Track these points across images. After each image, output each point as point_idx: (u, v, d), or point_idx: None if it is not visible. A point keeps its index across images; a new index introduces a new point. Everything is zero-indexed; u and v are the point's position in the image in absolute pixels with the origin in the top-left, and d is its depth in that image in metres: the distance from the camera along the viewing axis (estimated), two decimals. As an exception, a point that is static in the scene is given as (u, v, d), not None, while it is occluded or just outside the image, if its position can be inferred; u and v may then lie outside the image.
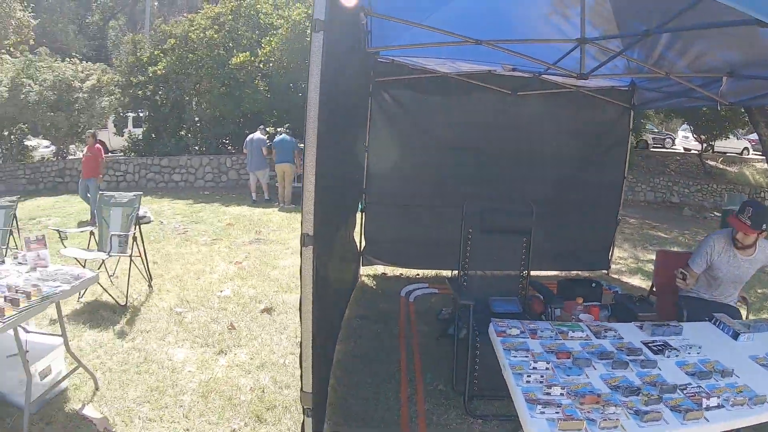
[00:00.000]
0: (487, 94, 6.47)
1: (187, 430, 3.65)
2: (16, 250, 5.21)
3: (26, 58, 16.69)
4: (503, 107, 6.61)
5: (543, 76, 6.08)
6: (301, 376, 2.85)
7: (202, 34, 15.24)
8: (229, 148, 16.38)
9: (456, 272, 4.87)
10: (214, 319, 5.50)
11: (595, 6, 4.57)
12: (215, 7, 15.98)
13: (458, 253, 4.77)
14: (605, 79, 6.31)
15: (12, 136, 16.79)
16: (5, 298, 3.46)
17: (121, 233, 6.11)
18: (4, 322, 3.23)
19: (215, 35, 15.14)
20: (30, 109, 15.22)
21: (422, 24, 4.63)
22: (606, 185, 7.13)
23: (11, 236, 6.90)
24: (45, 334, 4.58)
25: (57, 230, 6.48)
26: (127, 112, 17.46)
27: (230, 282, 6.65)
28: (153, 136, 16.37)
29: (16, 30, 19.22)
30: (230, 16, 15.37)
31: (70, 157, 17.09)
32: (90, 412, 3.85)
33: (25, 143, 17.10)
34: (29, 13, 20.55)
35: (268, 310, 5.66)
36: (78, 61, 16.90)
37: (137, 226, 6.21)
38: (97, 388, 4.18)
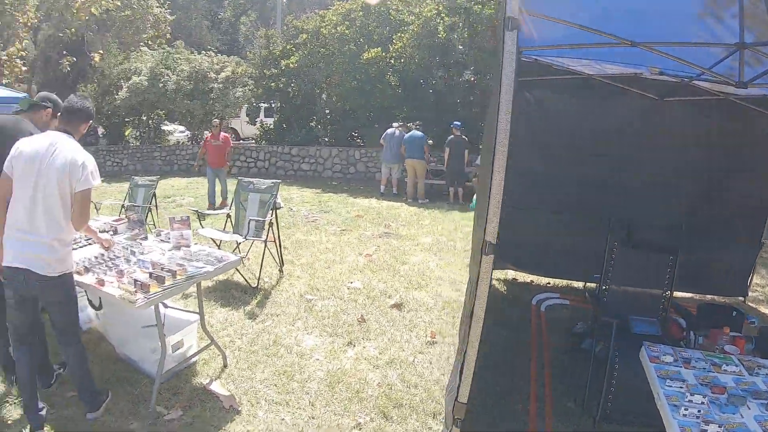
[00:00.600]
0: (631, 98, 6.04)
1: (312, 417, 3.63)
2: (157, 228, 5.35)
3: (164, 50, 17.78)
4: (647, 114, 6.13)
5: (694, 81, 5.65)
6: (459, 386, 2.69)
7: (333, 30, 15.41)
8: (358, 141, 16.49)
9: (592, 285, 4.63)
10: (344, 309, 5.40)
11: (749, 6, 4.20)
12: (346, 3, 16.28)
13: (592, 264, 4.56)
14: (761, 88, 5.76)
15: (150, 121, 18.06)
16: (151, 274, 3.59)
17: (258, 218, 6.19)
18: (148, 298, 3.35)
19: (346, 31, 15.25)
20: (167, 96, 16.25)
21: (573, 23, 4.43)
22: (750, 205, 6.47)
23: (149, 213, 7.29)
24: (181, 309, 4.71)
25: (196, 211, 6.71)
26: (260, 102, 18.14)
27: (360, 274, 6.52)
28: (284, 126, 16.80)
29: (154, 25, 20.33)
30: (361, 12, 15.46)
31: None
32: (217, 388, 3.94)
33: (162, 128, 18.39)
34: (166, 9, 21.74)
35: (397, 306, 5.47)
36: (213, 54, 17.75)
37: (273, 213, 6.31)
38: (225, 366, 4.28)
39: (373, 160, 15.09)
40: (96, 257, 4.12)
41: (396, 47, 14.58)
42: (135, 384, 4.03)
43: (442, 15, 13.66)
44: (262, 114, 19.13)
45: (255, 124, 18.28)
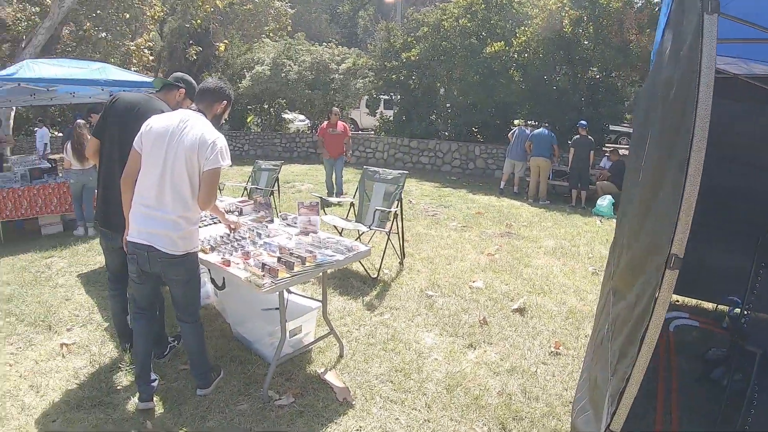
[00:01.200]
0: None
1: (428, 421, 3.44)
2: (282, 212, 5.40)
3: (286, 42, 18.26)
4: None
5: None
6: (614, 413, 2.43)
7: (455, 23, 15.15)
8: (478, 136, 16.12)
9: (724, 307, 4.10)
10: (465, 309, 5.15)
11: None
12: None
13: (727, 284, 4.06)
14: None
15: (271, 109, 18.65)
16: (279, 259, 3.53)
17: (384, 209, 6.13)
18: (275, 283, 3.31)
19: (468, 24, 14.92)
20: (289, 86, 16.70)
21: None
22: None
23: (272, 196, 7.38)
24: (303, 296, 4.66)
25: (320, 197, 6.79)
26: (380, 94, 18.29)
27: (482, 273, 6.24)
28: (404, 118, 16.79)
29: (275, 18, 21.03)
30: (483, 5, 15.06)
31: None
32: (331, 378, 3.86)
33: (283, 116, 18.93)
34: (286, 2, 22.32)
35: (520, 311, 5.14)
36: (334, 46, 18.04)
37: (399, 204, 6.19)
38: (341, 356, 4.21)
39: (492, 156, 14.74)
40: (221, 237, 4.13)
41: (519, 41, 14.12)
42: (247, 364, 4.06)
43: (567, 8, 13.04)
44: (381, 106, 19.29)
45: (375, 116, 18.44)
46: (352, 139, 15.91)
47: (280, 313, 3.64)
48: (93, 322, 4.97)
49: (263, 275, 3.35)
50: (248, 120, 19.65)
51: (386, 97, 18.89)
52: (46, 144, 14.57)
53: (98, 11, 21.33)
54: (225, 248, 3.94)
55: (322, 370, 3.99)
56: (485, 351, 4.38)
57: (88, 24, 22.31)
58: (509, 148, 12.15)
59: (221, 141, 3.25)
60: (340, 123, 10.56)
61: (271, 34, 20.78)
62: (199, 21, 19.37)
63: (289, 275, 3.40)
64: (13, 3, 21.05)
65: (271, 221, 4.75)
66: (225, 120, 3.83)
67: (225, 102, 3.57)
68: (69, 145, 7.91)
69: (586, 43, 13.19)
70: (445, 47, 15.24)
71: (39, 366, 4.16)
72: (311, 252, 3.71)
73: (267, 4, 20.19)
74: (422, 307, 5.20)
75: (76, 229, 8.33)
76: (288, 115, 19.70)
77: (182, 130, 3.23)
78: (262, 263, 3.49)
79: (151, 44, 23.42)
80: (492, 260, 6.79)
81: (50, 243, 7.74)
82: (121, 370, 4.02)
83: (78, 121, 8.19)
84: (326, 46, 17.91)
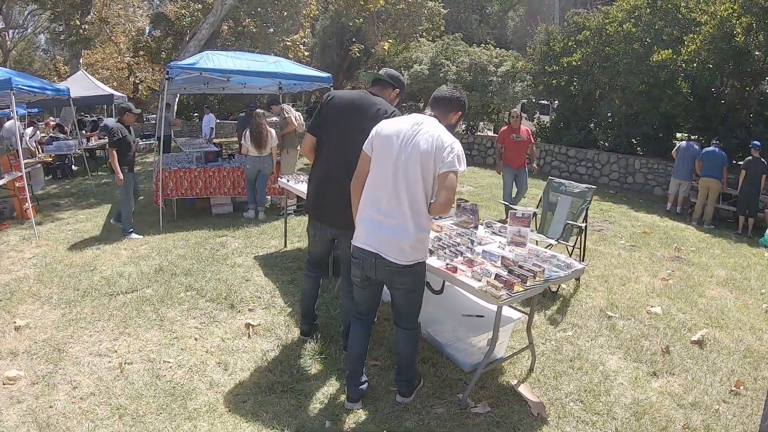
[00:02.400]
0: None
1: None
2: (487, 220, 5.38)
3: (443, 42, 18.47)
4: None
5: None
6: None
7: (618, 28, 14.60)
8: (638, 149, 15.46)
9: None
10: (645, 334, 5.19)
11: None
12: None
13: None
14: None
15: (427, 109, 18.99)
16: (510, 271, 3.61)
17: (575, 223, 6.14)
18: (511, 296, 3.34)
19: (633, 29, 14.31)
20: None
21: None
22: None
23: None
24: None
25: (506, 204, 7.01)
26: (539, 98, 17.95)
27: (657, 298, 6.22)
28: (561, 125, 16.51)
29: (428, 18, 21.29)
30: (648, 10, 14.39)
31: (478, 133, 18.66)
32: (525, 391, 3.94)
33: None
34: (439, 2, 22.49)
35: (699, 343, 5.10)
36: (492, 47, 18.01)
37: (585, 219, 6.19)
38: (531, 370, 4.30)
39: (653, 171, 14.09)
40: (433, 239, 4.23)
41: (688, 50, 13.28)
42: (440, 367, 4.24)
43: (739, 15, 12.06)
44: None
45: (532, 120, 18.07)
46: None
47: (494, 324, 3.64)
48: (275, 305, 5.42)
49: (501, 287, 3.37)
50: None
51: (544, 102, 18.58)
52: (212, 128, 15.61)
53: (258, 8, 22.76)
54: (443, 253, 3.96)
55: (515, 382, 4.12)
56: (668, 381, 4.43)
57: (247, 20, 23.88)
58: (675, 166, 11.66)
59: (458, 145, 3.17)
60: (523, 127, 9.31)
61: (424, 33, 21.08)
62: (360, 21, 20.03)
63: (522, 289, 3.46)
64: (178, 0, 22.80)
65: (476, 227, 4.77)
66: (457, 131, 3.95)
67: (460, 113, 3.52)
68: (248, 133, 8.53)
69: (757, 53, 12.25)
70: (608, 53, 14.77)
71: (225, 344, 4.62)
72: (539, 267, 3.72)
73: (421, 4, 20.49)
74: (603, 328, 5.29)
75: (247, 211, 8.98)
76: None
77: (416, 133, 3.16)
78: (495, 274, 3.54)
79: (305, 41, 24.67)
80: (666, 285, 6.74)
81: (222, 223, 8.55)
82: (310, 357, 4.34)
83: (257, 110, 8.80)
84: (484, 48, 17.94)
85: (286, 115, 9.06)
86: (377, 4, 19.20)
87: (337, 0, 22.41)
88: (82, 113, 24.21)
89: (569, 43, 15.96)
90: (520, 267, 3.70)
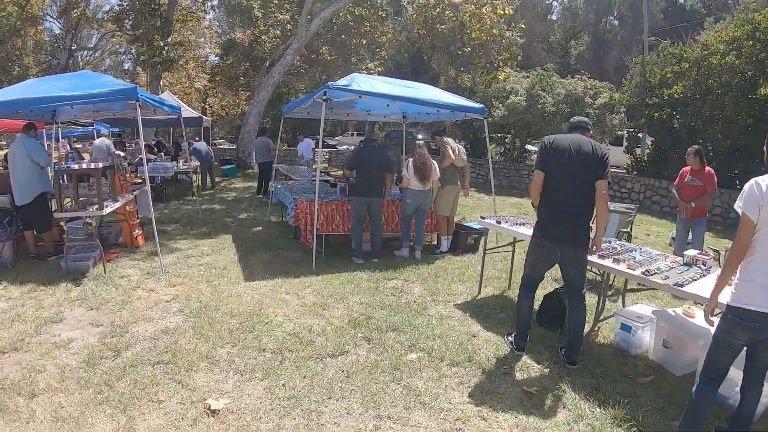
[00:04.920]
0: None
1: None
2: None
3: (538, 73, 18.12)
4: None
5: None
6: None
7: (721, 60, 14.06)
8: (737, 183, 14.71)
9: None
10: None
11: None
12: (730, 30, 14.81)
13: None
14: None
15: (517, 140, 18.59)
16: None
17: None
18: None
19: (736, 61, 13.77)
20: (545, 119, 16.48)
21: None
22: None
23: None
24: None
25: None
26: (638, 131, 17.36)
27: None
28: (659, 158, 16.03)
29: (506, 48, 20.97)
30: (750, 41, 13.79)
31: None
32: None
33: (527, 147, 18.82)
34: (516, 33, 22.16)
35: None
36: (586, 78, 17.59)
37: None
38: None
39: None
40: None
41: None
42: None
43: None
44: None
45: (631, 154, 17.17)
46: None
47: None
48: (532, 366, 4.70)
49: None
50: (490, 148, 19.78)
51: (642, 134, 17.97)
52: (315, 151, 15.44)
53: (342, 35, 22.89)
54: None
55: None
56: None
57: (323, 48, 24.03)
58: None
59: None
60: (707, 169, 7.48)
61: (500, 64, 20.79)
62: (468, 49, 19.93)
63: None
64: (260, 26, 23.06)
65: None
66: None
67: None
68: (411, 164, 7.90)
69: None
70: (711, 85, 14.24)
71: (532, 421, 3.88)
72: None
73: (500, 35, 20.15)
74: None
75: (400, 250, 8.30)
76: (532, 147, 19.57)
77: None
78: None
79: (380, 69, 24.77)
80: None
81: (376, 263, 7.75)
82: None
83: (419, 141, 8.33)
84: (579, 79, 17.53)
85: (445, 148, 8.44)
86: (491, 33, 19.07)
87: (416, 28, 22.41)
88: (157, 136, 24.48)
89: (668, 75, 15.50)
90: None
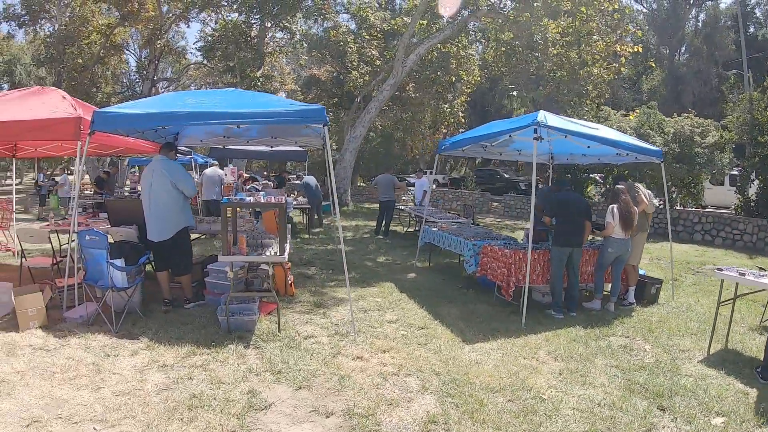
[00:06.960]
0: None
1: None
2: None
3: (644, 111, 17.98)
4: None
5: None
6: None
7: None
8: None
9: None
10: None
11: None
12: None
13: None
14: None
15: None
16: None
17: None
18: None
19: None
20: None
21: None
22: None
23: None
24: None
25: None
26: (750, 170, 16.69)
27: None
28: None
29: (595, 85, 20.60)
30: None
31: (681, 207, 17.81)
32: None
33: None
34: (604, 69, 21.75)
35: None
36: (693, 117, 17.37)
37: None
38: None
39: None
40: None
41: None
42: None
43: None
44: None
45: (743, 195, 16.52)
46: (703, 216, 15.13)
47: None
48: None
49: None
50: (588, 189, 19.63)
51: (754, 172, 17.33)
52: (425, 192, 14.94)
53: (438, 72, 23.22)
54: None
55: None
56: None
57: (410, 85, 24.32)
58: None
59: None
60: None
61: (589, 102, 20.59)
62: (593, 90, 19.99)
63: None
64: (353, 60, 23.48)
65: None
66: None
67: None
68: (616, 210, 7.50)
69: None
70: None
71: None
72: None
73: (588, 72, 20.02)
74: None
75: (591, 302, 7.93)
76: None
77: None
78: None
79: (464, 107, 25.04)
80: None
81: (578, 317, 7.33)
82: None
83: (618, 186, 7.80)
84: (685, 117, 17.31)
85: (637, 194, 7.97)
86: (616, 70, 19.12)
87: (499, 65, 22.59)
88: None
89: (772, 113, 15.19)
90: None
